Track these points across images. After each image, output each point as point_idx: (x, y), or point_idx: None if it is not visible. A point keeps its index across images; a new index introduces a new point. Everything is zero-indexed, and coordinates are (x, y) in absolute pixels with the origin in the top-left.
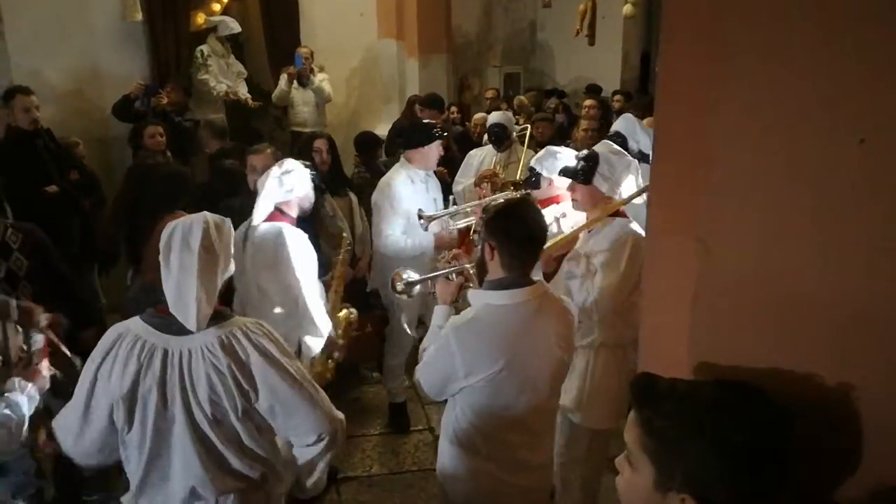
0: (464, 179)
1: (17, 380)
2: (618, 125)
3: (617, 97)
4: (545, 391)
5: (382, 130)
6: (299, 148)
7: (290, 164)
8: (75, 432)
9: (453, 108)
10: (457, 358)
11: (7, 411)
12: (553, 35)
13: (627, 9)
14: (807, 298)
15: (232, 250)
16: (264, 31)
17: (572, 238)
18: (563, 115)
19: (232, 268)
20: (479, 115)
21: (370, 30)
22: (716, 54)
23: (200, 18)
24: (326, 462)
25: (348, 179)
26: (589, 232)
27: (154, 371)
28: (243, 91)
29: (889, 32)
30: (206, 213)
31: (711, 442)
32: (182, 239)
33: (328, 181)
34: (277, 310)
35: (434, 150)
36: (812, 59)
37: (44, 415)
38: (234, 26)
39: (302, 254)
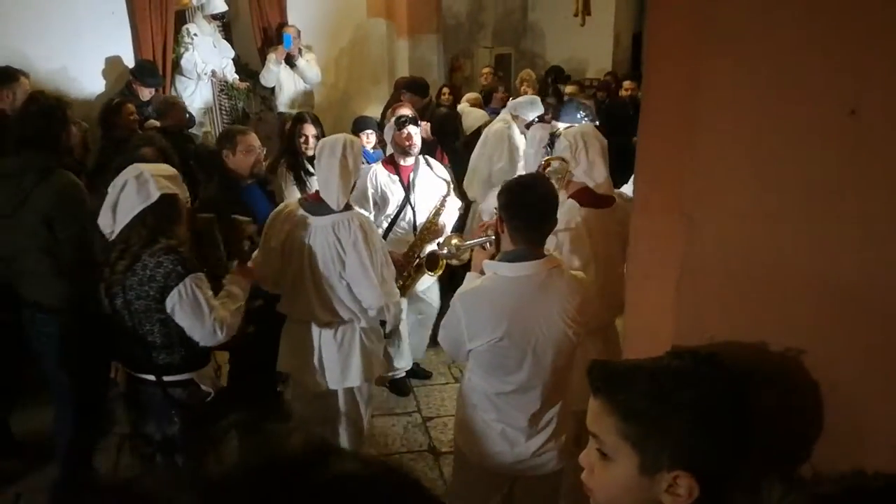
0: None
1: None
2: None
3: (627, 84)
4: (548, 363)
5: (373, 111)
6: (287, 127)
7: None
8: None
9: (445, 90)
10: (462, 323)
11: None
12: (544, 16)
13: None
14: (794, 275)
15: (360, 161)
16: (251, 10)
17: None
18: (554, 98)
19: (359, 172)
20: (471, 95)
21: (359, 9)
22: (700, 26)
23: None
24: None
25: None
26: None
27: (297, 236)
28: (230, 71)
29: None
30: (344, 134)
31: (693, 412)
32: (330, 150)
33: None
34: None
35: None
36: (799, 30)
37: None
38: (221, 5)
39: None
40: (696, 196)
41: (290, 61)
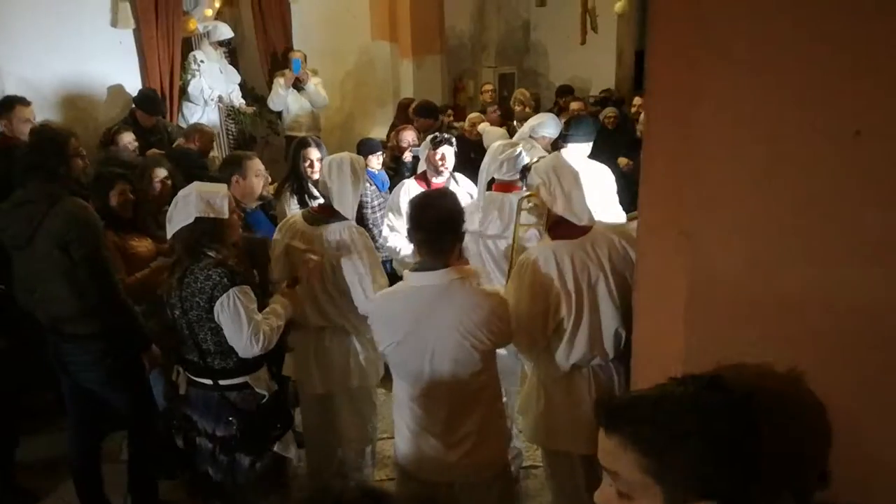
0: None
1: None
2: None
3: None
4: (446, 372)
5: (378, 133)
6: (291, 152)
7: None
8: None
9: (449, 112)
10: (372, 324)
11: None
12: (547, 35)
13: (619, 6)
14: (795, 295)
15: (365, 177)
16: (257, 36)
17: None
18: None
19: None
20: (473, 115)
21: (363, 31)
22: (701, 48)
23: (193, 24)
24: None
25: None
26: None
27: (297, 246)
28: (237, 96)
29: (881, 23)
30: (346, 152)
31: (700, 437)
32: (338, 167)
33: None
34: None
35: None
36: (800, 51)
37: None
38: (227, 31)
39: None
40: (698, 217)
41: (297, 85)
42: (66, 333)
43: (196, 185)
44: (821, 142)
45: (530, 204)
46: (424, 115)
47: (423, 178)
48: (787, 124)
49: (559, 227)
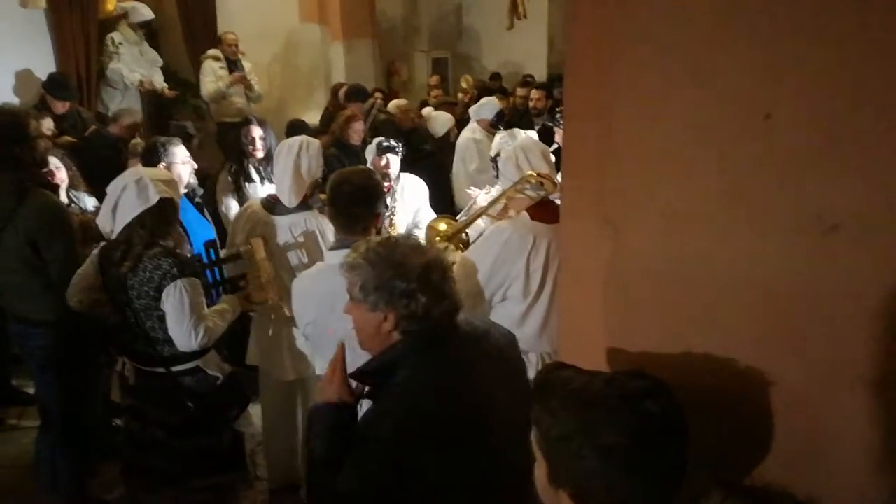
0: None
1: None
2: None
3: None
4: (364, 352)
5: (311, 118)
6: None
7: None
8: None
9: (377, 94)
10: (292, 303)
11: None
12: (479, 19)
13: None
14: (715, 278)
15: (318, 162)
16: (180, 17)
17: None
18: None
19: (317, 173)
20: (400, 101)
21: (291, 13)
22: (619, 26)
23: (111, 5)
24: None
25: None
26: None
27: (258, 234)
28: (159, 80)
29: (796, 7)
30: (303, 136)
31: (585, 441)
32: (287, 150)
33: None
34: None
35: None
36: (713, 32)
37: None
38: (147, 13)
39: None
40: (617, 201)
41: (231, 69)
42: (31, 320)
43: (140, 169)
44: (738, 125)
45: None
46: (354, 99)
47: None
48: (707, 108)
49: (539, 208)
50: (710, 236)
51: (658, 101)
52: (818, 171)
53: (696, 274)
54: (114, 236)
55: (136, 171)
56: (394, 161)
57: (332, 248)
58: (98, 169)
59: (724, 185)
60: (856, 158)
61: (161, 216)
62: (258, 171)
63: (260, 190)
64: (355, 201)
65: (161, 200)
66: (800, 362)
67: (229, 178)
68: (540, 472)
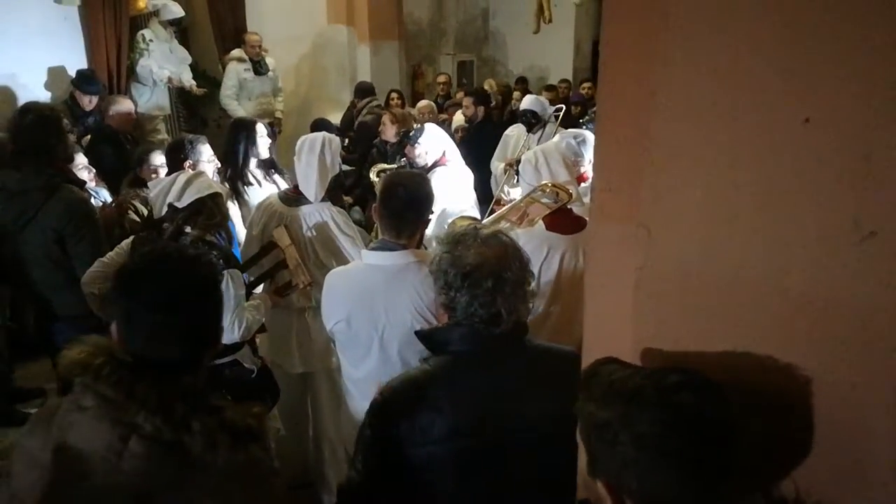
0: (500, 161)
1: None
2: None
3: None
4: (395, 355)
5: (336, 118)
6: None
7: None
8: None
9: (394, 95)
10: (322, 300)
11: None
12: (505, 23)
13: None
14: (750, 283)
15: (338, 158)
16: (210, 16)
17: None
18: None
19: (337, 168)
20: (423, 103)
21: (319, 15)
22: (656, 29)
23: (142, 2)
24: None
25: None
26: None
27: (273, 226)
28: (188, 77)
29: (829, 9)
30: (322, 132)
31: (621, 429)
32: (309, 147)
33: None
34: None
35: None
36: (751, 37)
37: None
38: (178, 10)
39: None
40: (652, 204)
41: (258, 70)
42: (58, 315)
43: (190, 175)
44: (775, 129)
45: (546, 193)
46: (362, 96)
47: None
48: (744, 111)
49: (556, 217)
50: (746, 242)
51: (694, 103)
52: (856, 176)
53: (730, 280)
54: (163, 212)
55: (185, 175)
56: (417, 149)
57: (372, 248)
58: (105, 162)
59: (760, 190)
60: (894, 164)
61: (217, 206)
62: (264, 173)
63: (260, 193)
64: (409, 206)
65: (216, 193)
66: (836, 371)
67: (225, 184)
68: (581, 464)
